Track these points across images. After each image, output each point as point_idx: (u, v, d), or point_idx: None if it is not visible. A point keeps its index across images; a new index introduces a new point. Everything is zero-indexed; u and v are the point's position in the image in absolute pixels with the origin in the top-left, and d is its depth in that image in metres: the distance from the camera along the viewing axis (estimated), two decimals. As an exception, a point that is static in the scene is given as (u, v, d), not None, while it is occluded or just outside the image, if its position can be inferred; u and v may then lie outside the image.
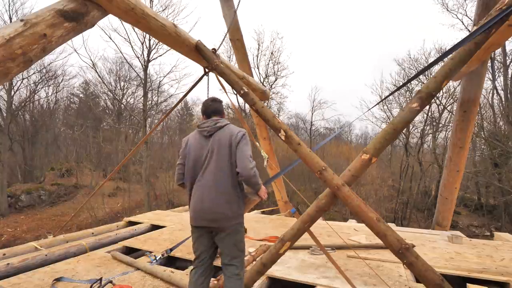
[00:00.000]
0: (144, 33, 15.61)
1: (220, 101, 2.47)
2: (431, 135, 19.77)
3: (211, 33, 33.18)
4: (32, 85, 21.17)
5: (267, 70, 22.01)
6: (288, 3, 51.10)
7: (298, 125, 28.53)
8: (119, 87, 24.39)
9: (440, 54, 6.60)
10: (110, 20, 20.11)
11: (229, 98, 3.84)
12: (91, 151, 25.94)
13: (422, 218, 17.05)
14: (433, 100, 14.73)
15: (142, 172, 17.93)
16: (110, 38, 16.93)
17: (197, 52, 3.44)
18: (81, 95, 27.75)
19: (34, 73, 20.27)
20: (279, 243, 2.63)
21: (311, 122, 25.80)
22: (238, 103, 18.96)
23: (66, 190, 19.39)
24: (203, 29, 36.59)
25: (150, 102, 20.39)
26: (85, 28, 2.48)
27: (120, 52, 17.28)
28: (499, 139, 13.48)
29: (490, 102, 15.23)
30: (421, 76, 16.54)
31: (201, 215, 2.18)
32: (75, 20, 2.32)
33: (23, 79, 19.67)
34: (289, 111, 27.73)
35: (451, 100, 17.25)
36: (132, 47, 17.06)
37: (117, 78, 23.97)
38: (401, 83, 20.04)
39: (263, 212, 8.16)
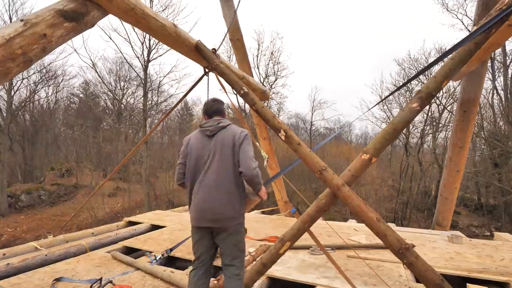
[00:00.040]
0: (144, 33, 15.61)
1: (222, 102, 2.47)
2: (431, 135, 19.78)
3: (211, 33, 33.23)
4: (32, 85, 21.22)
5: (267, 70, 22.05)
6: (288, 3, 51.16)
7: (298, 125, 28.57)
8: (119, 87, 24.42)
9: (440, 54, 6.61)
10: (110, 20, 20.15)
11: (229, 98, 3.85)
12: (91, 151, 25.94)
13: (422, 218, 17.06)
14: (433, 100, 14.73)
15: (142, 172, 17.93)
16: (110, 38, 16.96)
17: (197, 52, 3.44)
18: (81, 95, 27.78)
19: (34, 73, 20.31)
20: (279, 243, 2.63)
21: (311, 122, 25.84)
22: (238, 103, 18.96)
23: (66, 190, 19.39)
24: (203, 29, 36.63)
25: (150, 102, 20.40)
26: (85, 28, 2.48)
27: (120, 52, 17.31)
28: (499, 139, 13.48)
29: (490, 102, 15.24)
30: (421, 76, 16.55)
31: (204, 215, 2.16)
32: (75, 20, 2.32)
33: (23, 79, 19.68)
34: (289, 111, 27.79)
35: (451, 100, 17.26)
36: (132, 47, 17.09)
37: (117, 78, 24.00)
38: (401, 83, 20.05)
39: (263, 212, 8.16)
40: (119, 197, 19.56)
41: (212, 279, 2.70)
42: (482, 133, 14.75)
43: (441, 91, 10.86)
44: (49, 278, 3.00)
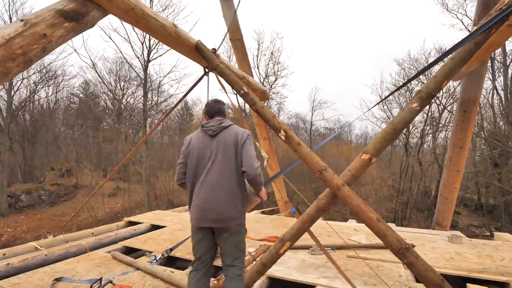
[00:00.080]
0: (144, 33, 15.61)
1: (223, 103, 2.47)
2: (431, 135, 19.78)
3: (211, 33, 33.23)
4: (32, 85, 21.22)
5: (267, 70, 22.05)
6: (288, 3, 51.16)
7: (298, 125, 28.57)
8: (119, 87, 24.42)
9: (440, 54, 6.61)
10: (110, 20, 20.14)
11: (229, 98, 3.85)
12: (91, 151, 25.94)
13: (422, 218, 17.06)
14: (433, 100, 14.73)
15: (142, 172, 17.93)
16: (110, 38, 16.95)
17: (197, 52, 3.44)
18: (81, 95, 27.78)
19: (34, 73, 20.31)
20: (279, 243, 2.63)
21: (311, 122, 25.84)
22: (238, 103, 18.97)
23: (66, 190, 19.39)
24: (203, 29, 36.62)
25: (150, 102, 20.40)
26: (85, 28, 2.48)
27: (120, 52, 17.30)
28: (499, 139, 13.48)
29: (490, 102, 15.24)
30: (421, 76, 16.55)
31: (205, 215, 2.15)
32: (75, 20, 2.32)
33: (23, 79, 19.68)
34: (289, 111, 27.79)
35: (451, 100, 17.26)
36: (132, 47, 17.09)
37: (117, 78, 24.00)
38: (401, 83, 20.06)
39: (263, 212, 8.16)
40: (119, 197, 19.56)
41: (212, 279, 2.70)
42: (482, 133, 14.75)
43: (441, 91, 10.86)
44: (49, 278, 3.00)
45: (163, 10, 16.92)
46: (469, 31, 7.02)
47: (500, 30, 2.49)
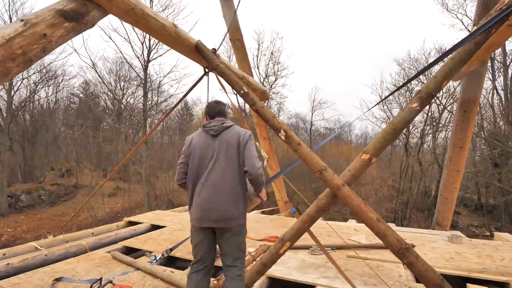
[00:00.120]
0: (144, 33, 15.61)
1: (224, 104, 2.48)
2: (431, 135, 19.78)
3: (211, 33, 33.23)
4: (32, 85, 21.22)
5: (267, 70, 22.04)
6: (288, 3, 51.16)
7: (298, 125, 28.57)
8: (119, 87, 24.42)
9: (440, 54, 6.61)
10: (110, 20, 20.14)
11: (229, 98, 3.86)
12: (91, 151, 25.95)
13: (422, 218, 17.06)
14: (433, 100, 14.73)
15: (142, 172, 17.93)
16: (110, 38, 16.95)
17: (197, 52, 3.44)
18: (81, 95, 27.78)
19: (34, 73, 20.31)
20: (279, 243, 2.63)
21: (311, 122, 25.84)
22: (238, 103, 18.97)
23: (66, 190, 19.39)
24: (203, 29, 36.64)
25: (150, 102, 20.40)
26: (85, 28, 2.48)
27: (120, 52, 17.30)
28: (499, 139, 13.48)
29: (490, 102, 15.25)
30: (421, 76, 16.55)
31: (207, 215, 2.14)
32: (75, 20, 2.32)
33: (23, 79, 19.68)
34: (289, 111, 27.77)
35: (451, 100, 17.26)
36: (132, 47, 17.08)
37: (117, 78, 24.00)
38: (401, 83, 20.06)
39: (263, 212, 8.16)
40: (119, 197, 19.56)
41: (212, 279, 2.70)
42: (482, 133, 14.75)
43: (441, 91, 10.86)
44: (49, 278, 3.00)
45: (163, 10, 16.93)
46: (469, 31, 7.02)
47: (500, 30, 2.49)
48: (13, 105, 19.45)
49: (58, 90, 24.25)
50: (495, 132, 14.48)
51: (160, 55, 17.94)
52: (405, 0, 48.00)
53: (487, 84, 14.32)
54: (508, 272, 3.29)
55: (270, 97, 9.60)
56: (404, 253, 2.25)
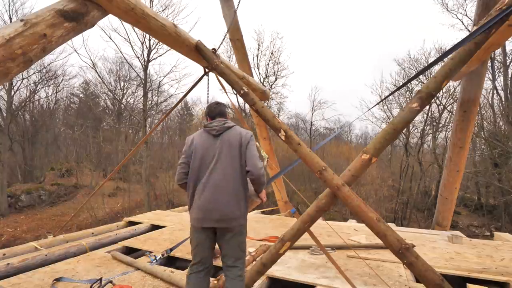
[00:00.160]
0: (144, 33, 15.61)
1: (225, 105, 2.49)
2: (431, 135, 19.78)
3: (211, 33, 33.23)
4: (32, 85, 21.22)
5: (267, 70, 22.03)
6: (288, 3, 51.17)
7: (298, 125, 28.57)
8: (119, 87, 24.42)
9: (440, 54, 6.61)
10: (110, 20, 20.14)
11: (229, 98, 3.86)
12: (91, 151, 25.95)
13: (422, 218, 17.06)
14: (433, 100, 14.73)
15: (142, 172, 17.93)
16: (110, 38, 16.95)
17: (197, 52, 3.44)
18: (81, 95, 27.79)
19: (34, 73, 20.31)
20: (279, 243, 2.63)
21: (311, 122, 25.84)
22: (238, 103, 18.97)
23: (66, 190, 19.39)
24: (203, 29, 36.65)
25: (150, 102, 20.40)
26: (85, 28, 2.48)
27: (120, 52, 17.30)
28: (499, 139, 13.48)
29: (490, 102, 15.24)
30: (421, 76, 16.55)
31: (209, 215, 2.13)
32: (75, 20, 2.32)
33: (23, 79, 19.68)
34: (289, 111, 27.76)
35: (451, 100, 17.26)
36: (132, 47, 17.08)
37: (117, 78, 24.00)
38: (401, 83, 20.06)
39: (263, 212, 8.15)
40: (119, 197, 19.56)
41: (212, 279, 2.70)
42: (482, 133, 14.75)
43: (441, 91, 10.86)
44: (49, 278, 3.00)
45: (163, 10, 16.93)
46: (469, 31, 7.03)
47: (500, 30, 2.49)
48: (13, 105, 19.45)
49: (58, 90, 24.30)
50: (495, 132, 14.48)
51: (160, 55, 17.97)
52: (405, 0, 48.05)
53: (487, 84, 14.34)
54: (508, 272, 3.29)
55: (270, 97, 9.60)
56: (404, 253, 2.25)
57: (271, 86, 21.85)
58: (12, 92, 19.06)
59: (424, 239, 4.77)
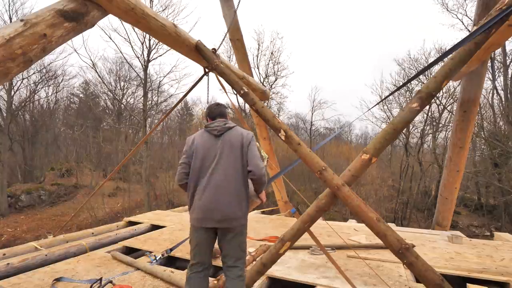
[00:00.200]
0: (144, 33, 15.61)
1: (225, 106, 2.49)
2: (431, 135, 19.78)
3: (211, 33, 33.24)
4: (32, 85, 21.22)
5: (267, 70, 22.03)
6: (288, 3, 51.17)
7: (298, 125, 28.57)
8: (119, 87, 24.42)
9: (440, 54, 6.61)
10: (110, 20, 20.13)
11: (229, 98, 3.86)
12: (91, 151, 25.95)
13: (422, 218, 17.06)
14: (433, 100, 14.73)
15: (142, 172, 17.93)
16: (110, 38, 16.95)
17: (197, 52, 3.44)
18: (81, 95, 27.79)
19: (34, 73, 20.31)
20: (279, 243, 2.63)
21: (311, 122, 25.84)
22: (238, 103, 18.97)
23: (66, 190, 19.39)
24: (203, 29, 36.65)
25: (150, 102, 20.40)
26: (85, 28, 2.48)
27: (120, 52, 17.30)
28: (499, 139, 13.48)
29: (490, 102, 15.24)
30: (421, 76, 16.55)
31: (210, 215, 2.13)
32: (75, 20, 2.32)
33: (23, 79, 19.68)
34: (289, 111, 27.75)
35: (451, 100, 17.26)
36: (132, 47, 17.08)
37: (117, 78, 24.00)
38: (401, 83, 20.06)
39: (263, 212, 8.15)
40: (119, 197, 19.56)
41: (212, 279, 2.70)
42: (482, 133, 14.75)
43: (441, 91, 10.86)
44: (49, 278, 3.00)
45: (163, 10, 16.93)
46: (469, 31, 7.02)
47: (500, 30, 2.49)
48: (13, 105, 19.45)
49: (58, 90, 24.29)
50: (495, 132, 14.48)
51: (160, 55, 17.97)
52: (405, 0, 48.05)
53: (487, 84, 14.35)
54: (508, 272, 3.29)
55: (270, 97, 9.61)
56: (404, 253, 2.25)
57: (271, 86, 21.85)
58: (12, 92, 19.06)
59: (424, 239, 4.78)
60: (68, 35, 2.33)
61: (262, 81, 21.48)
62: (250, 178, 2.24)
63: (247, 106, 17.85)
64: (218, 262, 3.01)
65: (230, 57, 18.94)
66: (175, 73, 37.49)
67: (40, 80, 21.37)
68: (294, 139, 2.72)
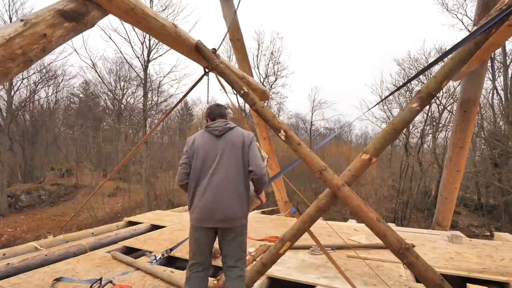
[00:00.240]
0: (144, 33, 15.61)
1: (225, 107, 2.50)
2: (431, 135, 19.78)
3: (211, 33, 33.23)
4: (32, 85, 21.23)
5: (267, 70, 22.03)
6: (288, 3, 51.17)
7: (298, 125, 28.57)
8: (119, 87, 24.42)
9: (440, 54, 6.61)
10: (110, 20, 20.13)
11: (229, 98, 3.86)
12: (91, 151, 25.95)
13: (422, 218, 17.06)
14: (433, 100, 14.73)
15: (142, 172, 17.93)
16: (110, 38, 16.94)
17: (197, 52, 3.44)
18: (81, 95, 27.79)
19: (34, 73, 20.32)
20: (279, 243, 2.63)
21: (311, 122, 25.84)
22: (238, 103, 18.97)
23: (66, 190, 19.39)
24: (203, 29, 36.64)
25: (150, 102, 20.40)
26: (85, 28, 2.48)
27: (120, 52, 17.30)
28: (499, 139, 13.48)
29: (490, 102, 15.25)
30: (421, 76, 16.55)
31: (211, 215, 2.12)
32: (75, 20, 2.32)
33: (23, 79, 19.68)
34: (289, 111, 27.74)
35: (451, 100, 17.26)
36: (132, 47, 17.08)
37: (117, 78, 24.01)
38: (401, 83, 20.06)
39: (263, 212, 8.15)
40: (119, 197, 19.56)
41: (212, 279, 2.70)
42: (482, 133, 14.75)
43: (441, 91, 10.86)
44: (49, 278, 3.00)
45: (163, 10, 16.93)
46: (469, 31, 7.02)
47: (500, 30, 2.49)
48: (13, 105, 19.45)
49: (58, 90, 24.30)
50: (495, 132, 14.48)
51: (160, 55, 17.97)
52: (405, 0, 48.05)
53: (487, 84, 14.35)
54: (508, 272, 3.29)
55: (270, 97, 9.61)
56: (404, 253, 2.25)
57: (271, 86, 21.85)
58: (12, 92, 19.06)
59: (424, 239, 4.77)
60: (68, 35, 2.33)
61: (262, 81, 21.48)
62: (251, 178, 2.25)
63: (247, 106, 17.85)
64: (218, 262, 3.01)
65: (230, 57, 18.95)
66: (175, 73, 37.52)
67: (40, 80, 21.40)
68: (294, 139, 2.72)
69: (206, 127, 2.34)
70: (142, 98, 18.88)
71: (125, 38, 17.25)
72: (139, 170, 20.77)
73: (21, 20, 2.05)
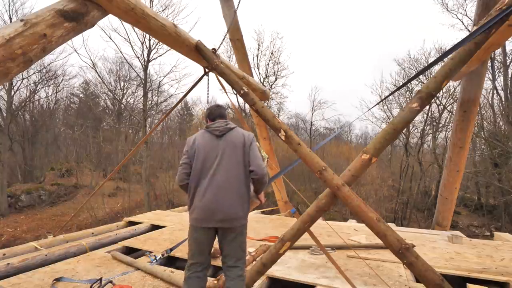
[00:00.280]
0: (144, 33, 15.61)
1: (225, 108, 2.51)
2: (431, 135, 19.78)
3: (211, 33, 33.23)
4: (32, 85, 21.23)
5: (267, 70, 22.03)
6: (288, 3, 51.17)
7: (298, 125, 28.57)
8: (119, 87, 24.42)
9: (440, 54, 6.61)
10: (110, 20, 20.13)
11: (229, 98, 3.87)
12: (91, 151, 25.95)
13: (422, 218, 17.06)
14: (433, 100, 14.73)
15: (142, 172, 17.93)
16: (110, 38, 16.94)
17: (197, 52, 3.44)
18: (81, 95, 27.79)
19: (34, 73, 20.31)
20: (279, 243, 2.63)
21: (311, 122, 25.84)
22: (238, 103, 18.96)
23: (66, 190, 19.39)
24: (203, 29, 36.64)
25: (150, 102, 20.40)
26: (85, 28, 2.48)
27: (120, 52, 17.29)
28: (499, 139, 13.48)
29: (490, 102, 15.25)
30: (421, 76, 16.55)
31: (211, 215, 2.12)
32: (75, 20, 2.32)
33: (23, 79, 19.68)
34: (289, 111, 27.74)
35: (451, 100, 17.26)
36: (132, 47, 17.08)
37: (117, 78, 24.01)
38: (401, 83, 20.06)
39: (263, 212, 8.15)
40: (119, 197, 19.57)
41: (212, 279, 2.70)
42: (482, 133, 14.75)
43: (441, 91, 10.86)
44: (49, 278, 3.00)
45: (163, 10, 16.93)
46: (469, 31, 7.02)
47: (500, 30, 2.49)
48: (13, 105, 19.45)
49: (58, 90, 24.30)
50: (495, 132, 14.48)
51: (160, 55, 17.96)
52: (405, 0, 48.06)
53: (487, 84, 14.35)
54: (508, 272, 3.29)
55: (270, 97, 9.61)
56: (404, 253, 2.25)
57: (271, 86, 21.85)
58: (12, 92, 19.06)
59: (424, 239, 4.77)
60: (68, 35, 2.33)
61: (262, 81, 21.48)
62: (251, 178, 2.25)
63: (247, 106, 17.85)
64: (218, 262, 3.01)
65: (230, 57, 18.95)
66: (175, 73, 37.47)
67: (40, 80, 21.40)
68: (294, 139, 2.72)
69: (206, 127, 2.34)
70: (142, 98, 18.89)
71: (125, 38, 17.27)
72: (139, 170, 20.77)
73: (21, 20, 2.05)
